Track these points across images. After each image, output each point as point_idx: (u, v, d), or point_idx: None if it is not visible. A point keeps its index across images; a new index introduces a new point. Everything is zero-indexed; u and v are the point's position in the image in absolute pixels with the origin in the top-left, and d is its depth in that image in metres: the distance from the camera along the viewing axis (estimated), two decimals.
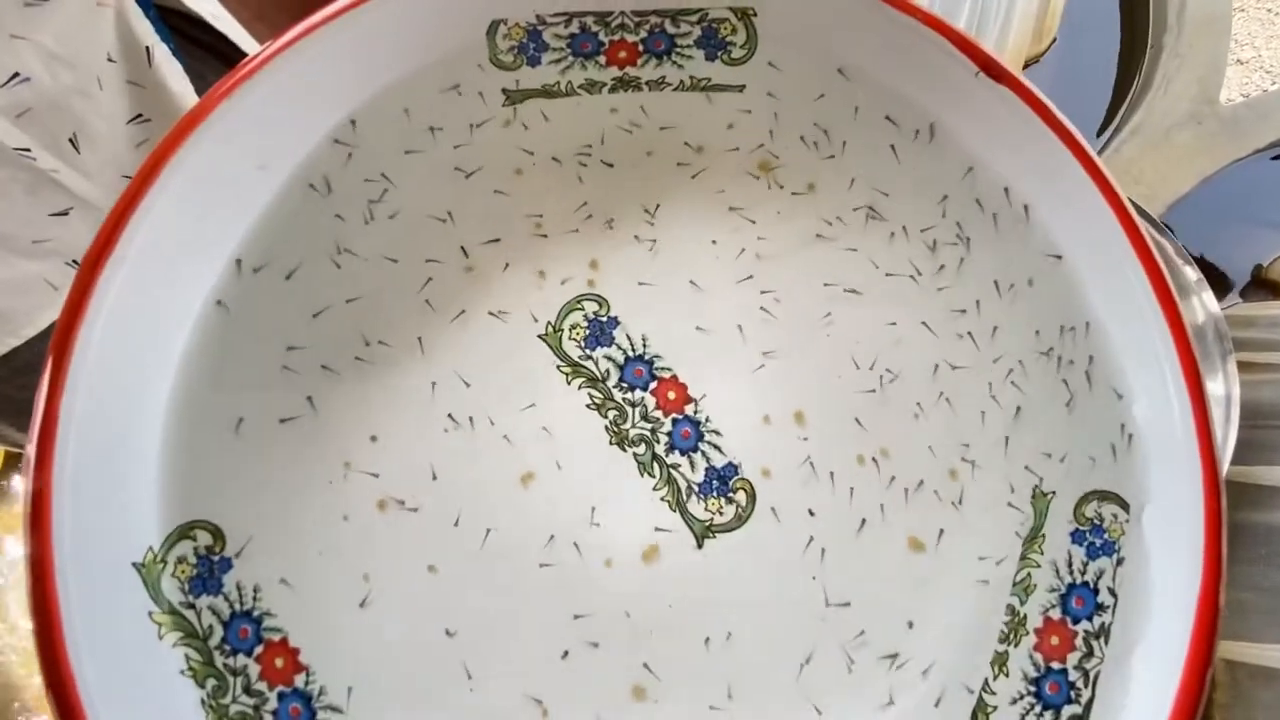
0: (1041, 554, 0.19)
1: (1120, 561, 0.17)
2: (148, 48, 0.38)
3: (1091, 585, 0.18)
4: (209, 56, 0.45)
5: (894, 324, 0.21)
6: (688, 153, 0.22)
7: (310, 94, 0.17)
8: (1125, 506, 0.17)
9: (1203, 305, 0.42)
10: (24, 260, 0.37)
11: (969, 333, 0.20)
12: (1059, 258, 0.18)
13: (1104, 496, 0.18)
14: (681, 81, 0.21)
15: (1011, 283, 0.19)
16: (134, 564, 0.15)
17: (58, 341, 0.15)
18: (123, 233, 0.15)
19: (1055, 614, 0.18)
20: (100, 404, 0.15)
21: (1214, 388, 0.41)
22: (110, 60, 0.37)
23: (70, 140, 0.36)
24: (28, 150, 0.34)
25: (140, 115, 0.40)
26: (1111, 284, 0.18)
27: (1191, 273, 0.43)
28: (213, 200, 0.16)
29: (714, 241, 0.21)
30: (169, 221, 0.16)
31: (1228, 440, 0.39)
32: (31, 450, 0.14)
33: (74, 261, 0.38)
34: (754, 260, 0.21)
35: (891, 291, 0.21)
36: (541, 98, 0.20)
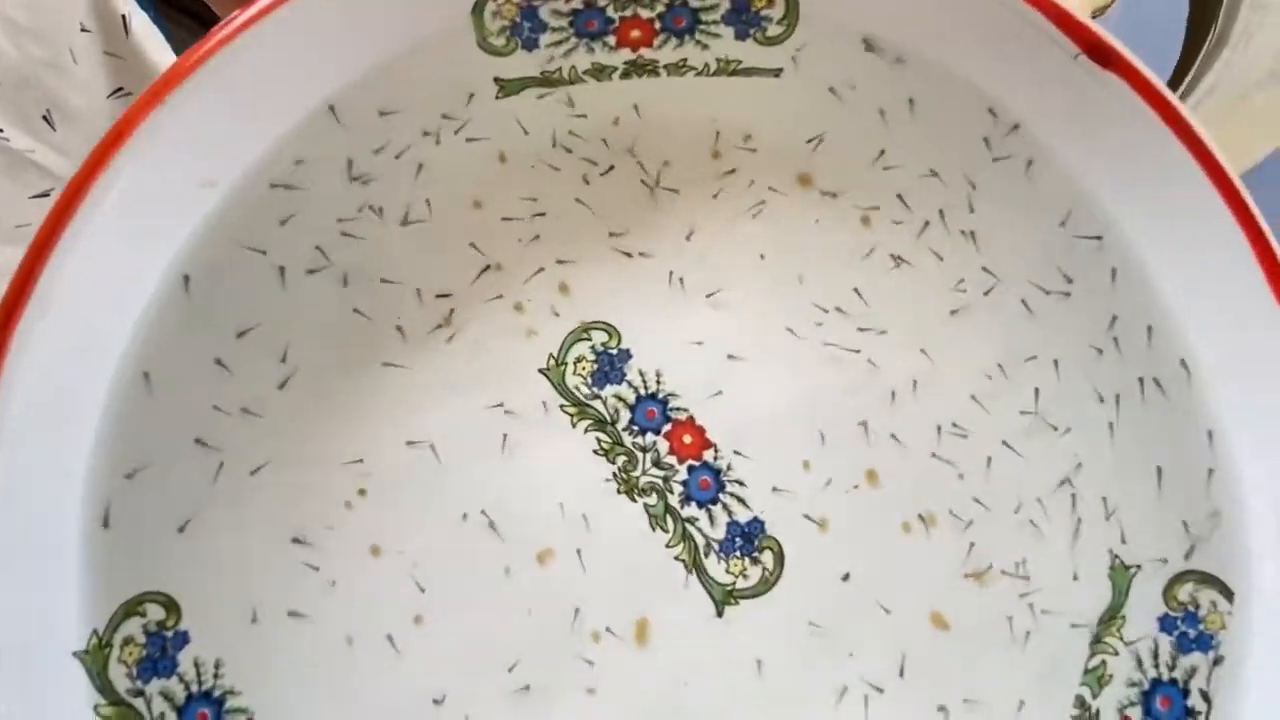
0: (1120, 639, 0.16)
1: (1218, 661, 0.15)
2: (124, 15, 0.35)
3: (1181, 685, 0.15)
4: (192, 23, 0.42)
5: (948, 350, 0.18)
6: (708, 159, 0.18)
7: (277, 85, 0.14)
8: (1229, 595, 0.15)
9: None
10: (8, 246, 0.35)
11: (1036, 390, 0.17)
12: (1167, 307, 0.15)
13: (1203, 579, 0.15)
14: (706, 65, 0.17)
15: (1106, 337, 0.16)
16: (76, 653, 0.13)
17: None
18: (45, 266, 0.13)
19: (1134, 713, 0.15)
20: (29, 468, 0.13)
21: None
22: (84, 30, 0.34)
23: (44, 117, 0.33)
24: (0, 131, 0.32)
25: (121, 89, 0.37)
26: (1231, 331, 0.14)
27: None
28: (149, 222, 0.14)
29: (761, 256, 0.18)
30: (101, 253, 0.13)
31: None
32: None
33: None
34: (795, 284, 0.18)
35: (956, 330, 0.18)
36: (540, 86, 0.17)
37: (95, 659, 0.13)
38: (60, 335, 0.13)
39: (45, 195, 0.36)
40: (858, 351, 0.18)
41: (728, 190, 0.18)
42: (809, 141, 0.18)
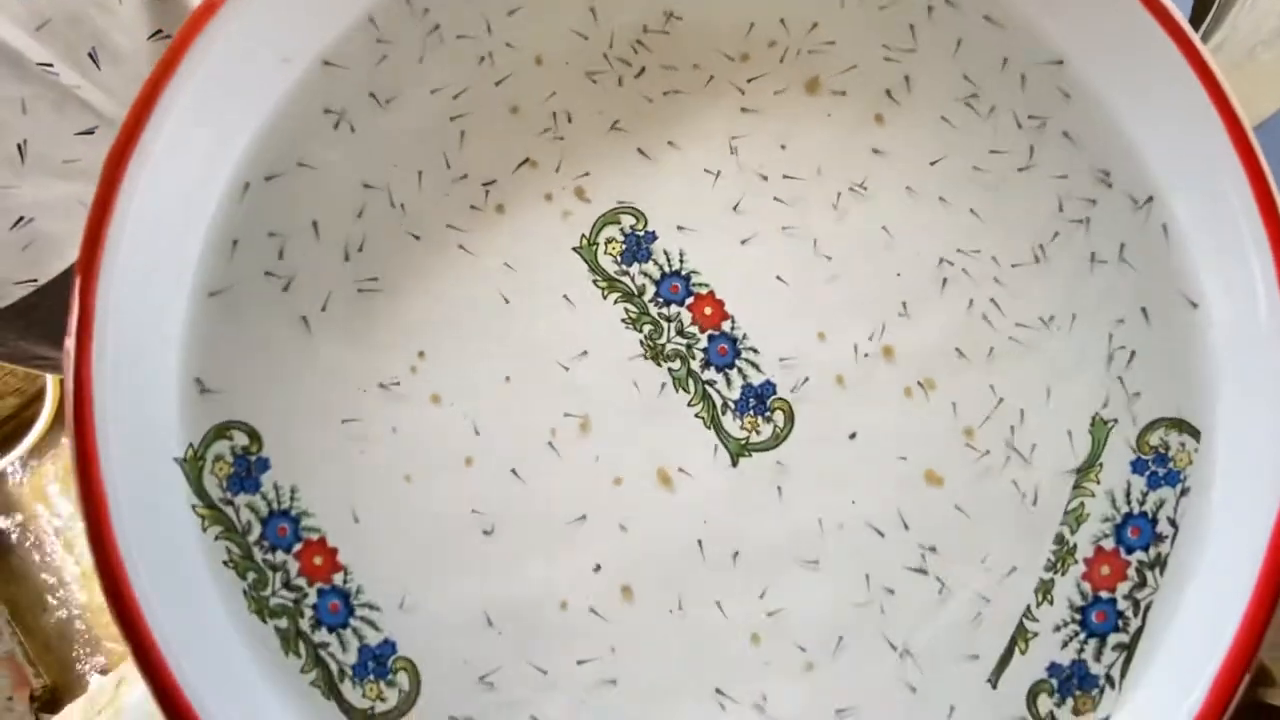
0: (1097, 484, 0.18)
1: (1185, 492, 0.16)
2: None
3: (1150, 515, 0.17)
4: None
5: (955, 236, 0.19)
6: (730, 64, 0.20)
7: None
8: (1195, 435, 0.16)
9: None
10: (58, 181, 0.37)
11: (1040, 249, 0.19)
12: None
13: (1172, 424, 0.17)
14: None
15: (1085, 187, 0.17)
16: (175, 459, 0.15)
17: (89, 233, 0.14)
18: (147, 122, 0.15)
19: (1108, 544, 0.17)
20: (134, 297, 0.15)
21: None
22: None
23: (90, 55, 0.35)
24: (50, 65, 0.34)
25: (161, 31, 0.39)
26: (1204, 192, 0.16)
27: None
28: (232, 91, 0.16)
29: (782, 147, 0.20)
30: (194, 111, 0.15)
31: None
32: (70, 344, 0.14)
33: None
34: (814, 174, 0.20)
35: (962, 201, 0.19)
36: None
37: (191, 467, 0.15)
38: (162, 177, 0.15)
39: (90, 133, 0.38)
40: (882, 228, 0.19)
41: (751, 90, 0.20)
42: (827, 44, 0.19)
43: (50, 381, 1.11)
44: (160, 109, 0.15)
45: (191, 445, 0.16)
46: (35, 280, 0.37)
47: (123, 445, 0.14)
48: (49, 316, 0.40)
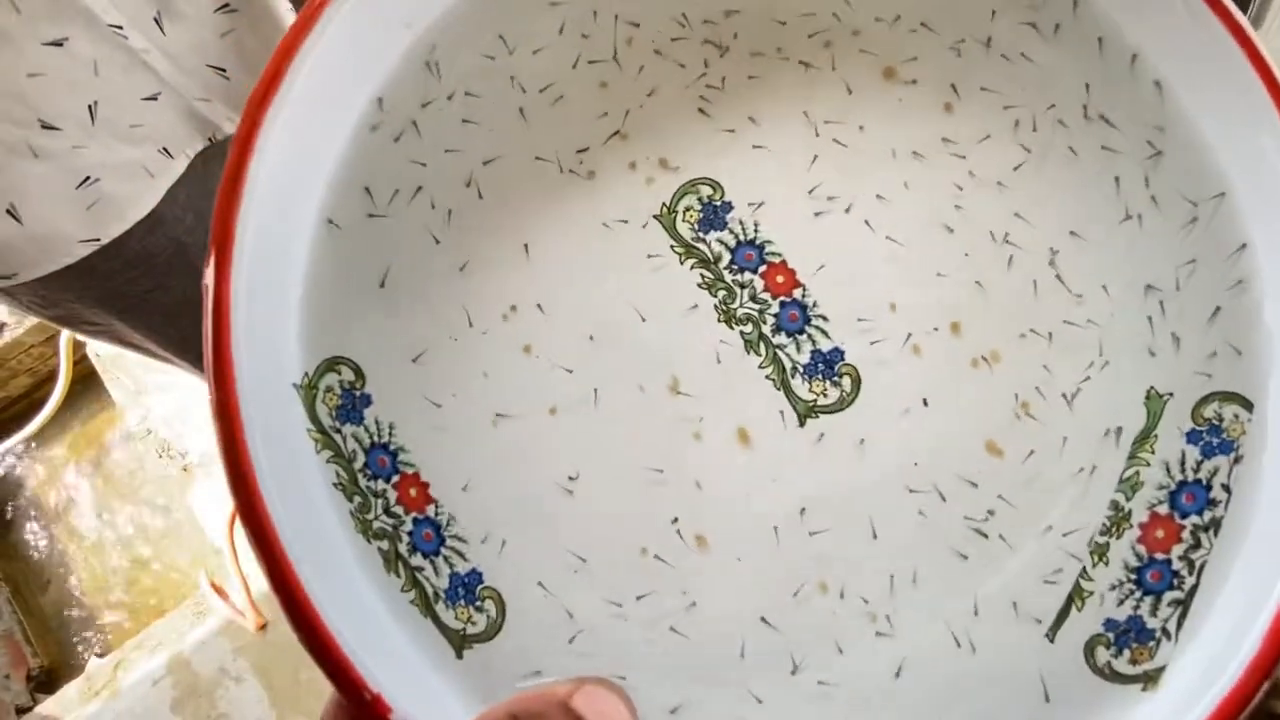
0: (1152, 454, 0.19)
1: (1238, 460, 0.17)
2: None
3: (1204, 483, 0.18)
4: None
5: (1019, 216, 0.20)
6: (813, 50, 0.21)
7: None
8: (1249, 406, 0.17)
9: None
10: (124, 145, 0.38)
11: (1103, 230, 0.20)
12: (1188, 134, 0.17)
13: (1226, 397, 0.18)
14: None
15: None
16: (294, 384, 0.16)
17: (231, 166, 0.15)
18: (288, 68, 0.16)
19: (1162, 509, 0.18)
20: (265, 234, 0.16)
21: None
22: None
23: (155, 20, 0.36)
24: (120, 28, 0.35)
25: (227, 4, 0.40)
26: (1259, 171, 0.17)
27: None
28: (362, 46, 0.17)
29: (861, 128, 0.21)
30: (325, 63, 0.16)
31: None
32: (210, 274, 0.15)
33: (165, 150, 0.40)
34: (888, 157, 0.21)
35: (1025, 184, 0.20)
36: None
37: (306, 394, 0.16)
38: (297, 117, 0.16)
39: (154, 99, 0.40)
40: (950, 209, 0.20)
41: (833, 75, 0.21)
42: (908, 34, 0.21)
43: (63, 363, 1.12)
44: (300, 55, 0.16)
45: (307, 374, 0.16)
46: (98, 240, 0.38)
47: (252, 368, 0.15)
48: (105, 280, 0.41)
